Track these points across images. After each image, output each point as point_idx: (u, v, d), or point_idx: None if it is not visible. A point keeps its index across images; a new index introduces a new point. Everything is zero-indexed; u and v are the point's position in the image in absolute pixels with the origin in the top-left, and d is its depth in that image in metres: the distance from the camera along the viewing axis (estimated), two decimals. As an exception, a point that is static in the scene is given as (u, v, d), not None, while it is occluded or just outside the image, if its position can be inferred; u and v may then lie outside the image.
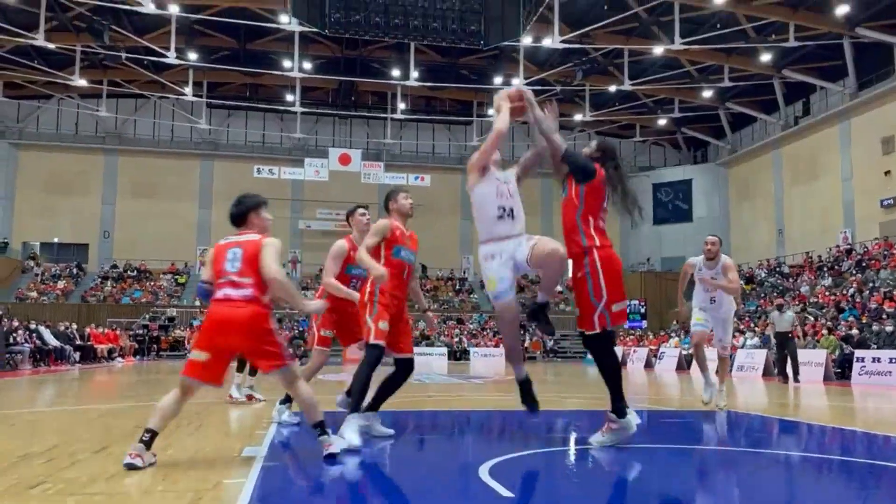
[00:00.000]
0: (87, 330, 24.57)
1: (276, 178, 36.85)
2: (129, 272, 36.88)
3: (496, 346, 30.27)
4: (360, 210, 6.29)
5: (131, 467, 3.96)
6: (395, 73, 34.22)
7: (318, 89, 37.95)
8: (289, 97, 36.35)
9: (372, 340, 5.12)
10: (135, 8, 26.05)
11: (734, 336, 16.95)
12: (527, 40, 28.54)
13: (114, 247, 37.95)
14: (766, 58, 30.68)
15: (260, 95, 38.66)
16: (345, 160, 37.04)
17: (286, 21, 27.92)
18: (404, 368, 5.48)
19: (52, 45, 29.57)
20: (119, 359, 24.62)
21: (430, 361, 26.39)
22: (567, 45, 28.24)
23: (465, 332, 34.26)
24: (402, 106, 36.39)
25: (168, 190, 38.57)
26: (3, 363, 17.54)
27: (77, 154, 38.30)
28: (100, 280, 36.42)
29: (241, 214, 4.83)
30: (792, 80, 32.10)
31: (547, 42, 28.34)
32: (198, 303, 34.38)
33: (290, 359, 4.52)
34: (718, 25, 28.78)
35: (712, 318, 7.77)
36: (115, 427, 6.08)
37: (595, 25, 27.89)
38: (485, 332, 34.33)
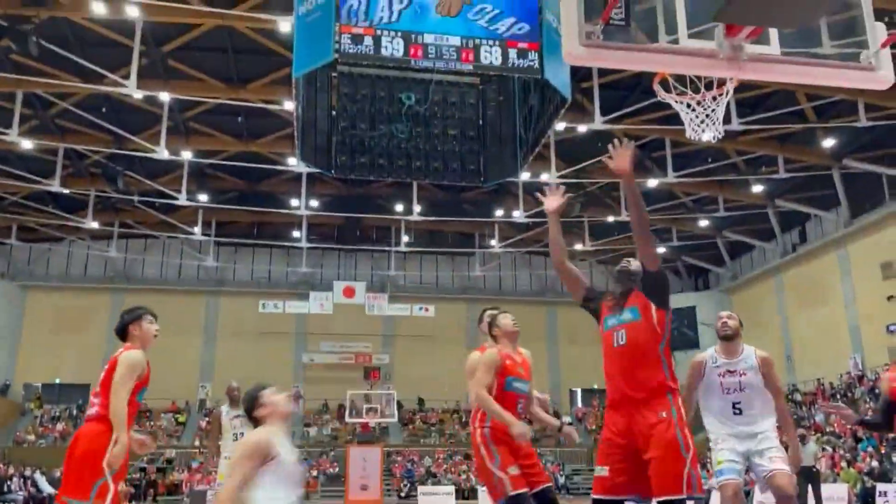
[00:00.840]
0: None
1: (280, 313, 37.02)
2: (129, 412, 36.14)
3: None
4: (505, 313, 5.32)
5: None
6: (399, 207, 35.21)
7: (324, 225, 38.90)
8: (295, 233, 37.19)
9: (511, 492, 4.54)
10: (149, 155, 27.23)
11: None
12: (525, 176, 29.62)
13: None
14: (758, 189, 31.63)
15: (267, 232, 39.59)
16: (349, 293, 37.34)
17: (294, 164, 29.10)
18: (545, 501, 4.84)
19: (66, 191, 30.64)
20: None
21: (437, 502, 25.31)
22: (564, 181, 29.26)
23: (473, 469, 33.05)
24: (405, 238, 37.17)
25: (173, 327, 38.39)
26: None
27: (84, 293, 38.72)
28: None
29: (121, 328, 4.75)
30: (785, 209, 32.92)
31: (544, 177, 29.39)
32: (197, 442, 33.52)
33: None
34: (709, 159, 29.90)
35: (741, 443, 5.12)
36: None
37: (590, 161, 29.00)
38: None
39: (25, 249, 38.78)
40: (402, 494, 28.48)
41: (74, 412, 36.40)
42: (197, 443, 33.54)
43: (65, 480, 4.13)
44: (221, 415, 9.70)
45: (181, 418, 36.37)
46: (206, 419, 30.73)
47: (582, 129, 26.37)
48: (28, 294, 38.65)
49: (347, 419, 32.07)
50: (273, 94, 25.69)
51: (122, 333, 4.60)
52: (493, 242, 37.01)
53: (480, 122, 11.59)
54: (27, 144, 26.89)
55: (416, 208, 33.14)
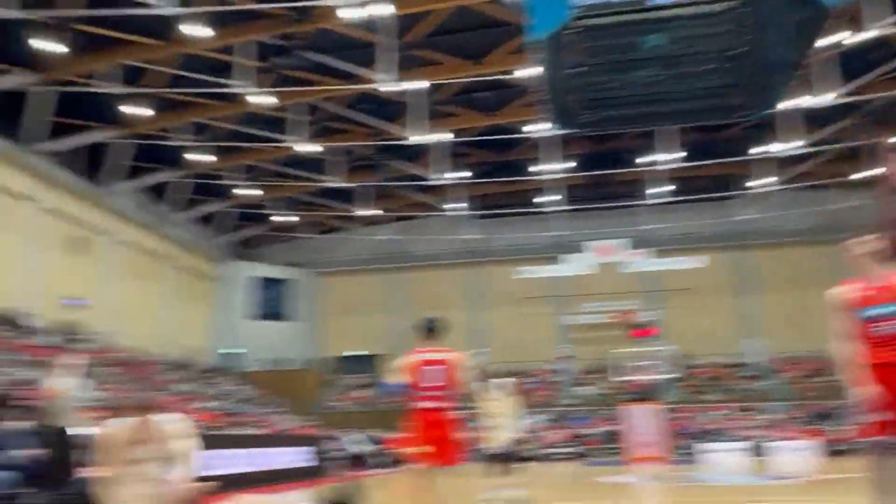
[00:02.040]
0: (382, 437, 26.61)
1: (536, 279, 37.94)
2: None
3: (800, 437, 26.86)
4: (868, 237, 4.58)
5: None
6: (651, 157, 33.88)
7: (575, 185, 38.81)
8: (547, 197, 37.63)
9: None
10: (406, 142, 29.46)
11: None
12: (789, 103, 26.69)
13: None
14: None
15: (519, 199, 40.57)
16: (606, 251, 36.98)
17: (539, 129, 29.40)
18: None
19: (344, 184, 34.36)
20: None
21: (721, 459, 24.18)
22: (842, 101, 25.87)
23: (756, 424, 31.04)
24: (660, 189, 35.70)
25: (443, 300, 41.48)
26: (319, 471, 19.66)
27: (367, 276, 43.17)
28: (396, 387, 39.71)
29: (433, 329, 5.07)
30: None
31: (819, 100, 26.24)
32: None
33: None
34: None
35: None
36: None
37: (870, 75, 25.28)
38: (786, 423, 30.80)
39: (319, 241, 44.22)
40: (684, 451, 27.73)
41: (368, 381, 40.88)
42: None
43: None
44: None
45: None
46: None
47: (853, 39, 23.02)
48: (323, 280, 44.08)
49: (615, 378, 31.94)
50: (510, 64, 26.12)
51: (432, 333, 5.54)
52: (757, 182, 34.05)
53: (734, 51, 10.60)
54: (313, 147, 30.58)
55: (669, 156, 31.67)
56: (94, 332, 28.61)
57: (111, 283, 31.75)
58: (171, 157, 32.45)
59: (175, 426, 4.29)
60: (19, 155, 26.56)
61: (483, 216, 41.06)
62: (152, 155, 31.76)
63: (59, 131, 27.66)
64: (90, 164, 30.56)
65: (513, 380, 10.47)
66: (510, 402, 10.04)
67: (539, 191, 38.59)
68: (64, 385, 8.60)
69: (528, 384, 33.29)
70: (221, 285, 41.03)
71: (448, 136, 30.82)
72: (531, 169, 34.87)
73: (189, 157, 31.92)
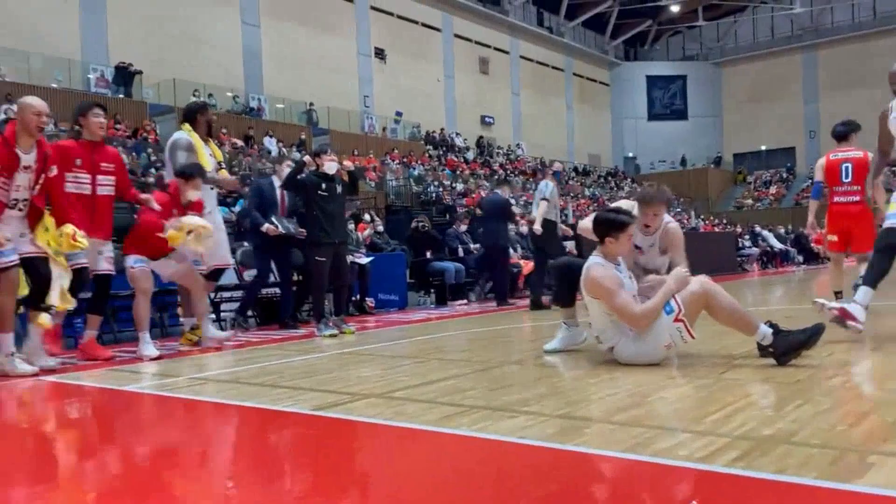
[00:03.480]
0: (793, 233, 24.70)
1: None
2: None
3: None
4: None
5: None
6: None
7: None
8: None
9: None
10: None
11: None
12: None
13: (820, 147, 36.92)
14: None
15: None
16: None
17: None
18: None
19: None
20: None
21: None
22: None
23: None
24: None
25: (870, 77, 35.02)
26: (734, 266, 19.26)
27: (774, 59, 38.41)
28: (810, 182, 36.10)
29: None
30: None
31: None
32: None
33: None
34: None
35: None
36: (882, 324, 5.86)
37: None
38: None
39: (713, 28, 40.47)
40: None
41: (784, 175, 37.65)
42: None
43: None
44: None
45: None
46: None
47: None
48: (723, 71, 40.67)
49: None
50: None
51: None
52: None
53: None
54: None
55: None
56: (503, 146, 31.47)
57: (514, 99, 34.04)
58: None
59: None
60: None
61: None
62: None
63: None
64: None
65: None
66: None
67: None
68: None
69: None
70: (616, 89, 40.82)
71: None
72: None
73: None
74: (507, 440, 2.42)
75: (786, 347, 3.66)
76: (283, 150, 19.68)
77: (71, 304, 4.86)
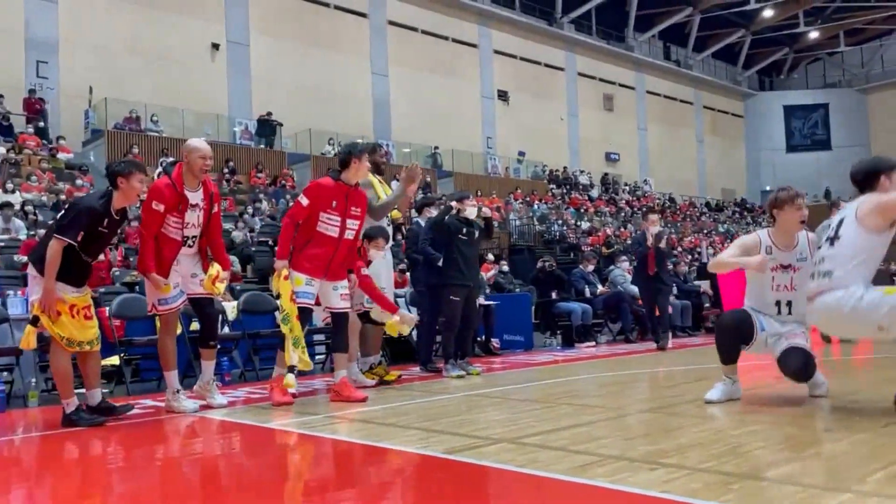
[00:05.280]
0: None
1: None
2: None
3: None
4: None
5: None
6: None
7: None
8: None
9: None
10: None
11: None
12: None
13: None
14: None
15: None
16: None
17: None
18: None
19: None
20: None
21: None
22: None
23: None
24: None
25: None
26: None
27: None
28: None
29: None
30: None
31: None
32: None
33: None
34: None
35: None
36: None
37: None
38: None
39: (857, 53, 38.05)
40: None
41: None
42: None
43: None
44: None
45: None
46: None
47: None
48: (869, 97, 38.00)
49: None
50: None
51: None
52: None
53: None
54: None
55: None
56: (629, 182, 30.81)
57: (640, 134, 33.37)
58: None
59: None
60: (553, 30, 29.41)
61: None
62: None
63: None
64: (608, 23, 31.90)
65: None
66: None
67: None
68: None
69: None
70: (751, 120, 39.06)
71: None
72: None
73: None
74: (648, 494, 2.32)
75: None
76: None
77: (309, 366, 5.07)
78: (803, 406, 4.10)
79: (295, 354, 4.86)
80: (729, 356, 4.34)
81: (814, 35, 35.84)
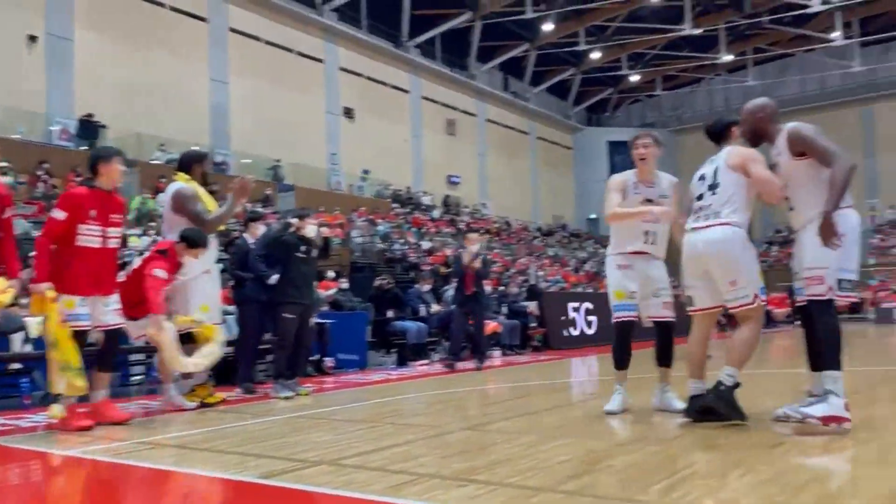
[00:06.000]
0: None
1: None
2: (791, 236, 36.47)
3: None
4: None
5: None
6: None
7: None
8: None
9: None
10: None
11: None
12: None
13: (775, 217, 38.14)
14: None
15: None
16: None
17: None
18: None
19: (697, 31, 31.62)
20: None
21: None
22: None
23: None
24: None
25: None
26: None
27: (730, 127, 39.98)
28: (766, 245, 37.10)
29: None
30: None
31: None
32: (872, 261, 31.61)
33: None
34: None
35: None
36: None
37: None
38: None
39: (671, 97, 42.00)
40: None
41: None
42: (872, 261, 31.68)
43: None
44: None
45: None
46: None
47: None
48: (680, 138, 42.07)
49: None
50: None
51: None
52: None
53: None
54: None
55: None
56: (468, 205, 31.89)
57: (480, 159, 34.67)
58: (520, 33, 33.25)
59: None
60: (399, 53, 29.86)
61: (870, 43, 34.50)
62: (503, 32, 32.93)
63: (422, 23, 30.20)
64: (452, 50, 32.96)
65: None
66: None
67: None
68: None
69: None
70: (579, 152, 41.80)
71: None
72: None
73: (539, 28, 32.39)
74: (454, 511, 2.42)
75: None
76: (248, 206, 19.66)
77: (82, 391, 4.63)
78: (606, 421, 4.44)
79: (63, 381, 4.47)
80: (622, 361, 4.69)
81: (635, 78, 39.15)
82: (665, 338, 4.68)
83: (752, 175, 4.08)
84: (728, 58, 33.97)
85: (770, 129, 4.16)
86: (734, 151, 4.28)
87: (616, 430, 4.23)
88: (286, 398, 6.18)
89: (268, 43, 25.12)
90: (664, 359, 4.66)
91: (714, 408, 3.93)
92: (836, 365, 3.68)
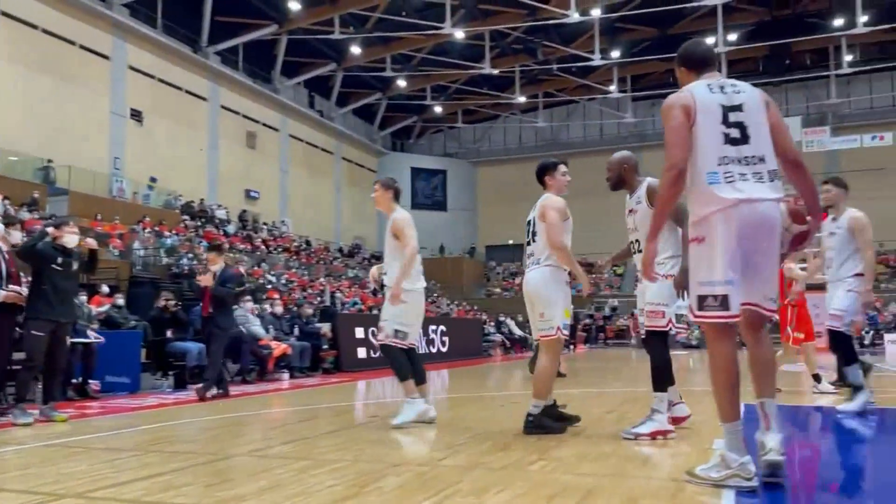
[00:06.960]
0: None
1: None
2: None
3: None
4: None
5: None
6: (838, 22, 30.08)
7: (746, 59, 35.49)
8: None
9: None
10: (561, 21, 28.09)
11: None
12: None
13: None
14: None
15: (683, 79, 37.88)
16: (782, 132, 33.98)
17: (707, -4, 26.89)
18: None
19: (495, 71, 33.69)
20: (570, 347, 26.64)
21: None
22: None
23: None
24: (848, 58, 31.83)
25: (599, 187, 40.39)
26: (481, 352, 20.52)
27: (521, 164, 42.76)
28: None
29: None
30: None
31: None
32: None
33: None
34: None
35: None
36: (584, 412, 6.59)
37: None
38: None
39: (471, 130, 44.18)
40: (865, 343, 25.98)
41: (518, 270, 41.45)
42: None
43: None
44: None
45: (619, 270, 38.55)
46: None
47: None
48: (478, 170, 44.33)
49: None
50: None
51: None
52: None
53: None
54: (459, 34, 30.11)
55: (862, 18, 27.97)
56: (267, 222, 31.02)
57: (282, 175, 33.91)
58: (327, 52, 33.24)
59: None
60: (198, 58, 28.41)
61: (641, 98, 38.97)
62: (310, 50, 32.72)
63: (225, 31, 29.11)
64: (256, 62, 32.09)
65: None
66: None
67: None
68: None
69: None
70: (383, 176, 42.37)
71: (600, 13, 29.05)
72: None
73: (346, 49, 32.58)
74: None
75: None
76: (11, 209, 17.51)
77: None
78: (384, 443, 4.50)
79: None
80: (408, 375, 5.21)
81: (438, 109, 40.74)
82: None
83: (546, 220, 4.73)
84: (522, 99, 36.57)
85: (632, 179, 4.70)
86: (540, 203, 4.94)
87: (391, 451, 4.29)
88: (25, 424, 5.55)
89: (46, 32, 22.76)
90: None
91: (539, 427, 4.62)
92: (662, 388, 4.45)
